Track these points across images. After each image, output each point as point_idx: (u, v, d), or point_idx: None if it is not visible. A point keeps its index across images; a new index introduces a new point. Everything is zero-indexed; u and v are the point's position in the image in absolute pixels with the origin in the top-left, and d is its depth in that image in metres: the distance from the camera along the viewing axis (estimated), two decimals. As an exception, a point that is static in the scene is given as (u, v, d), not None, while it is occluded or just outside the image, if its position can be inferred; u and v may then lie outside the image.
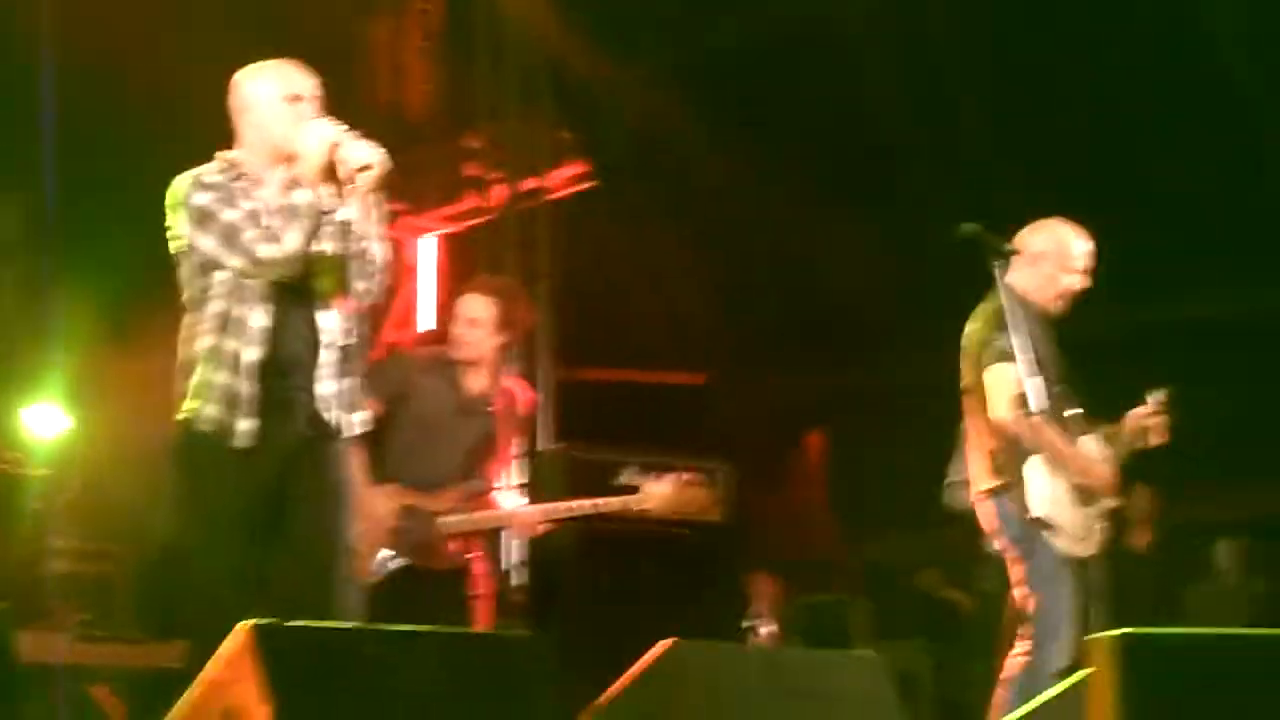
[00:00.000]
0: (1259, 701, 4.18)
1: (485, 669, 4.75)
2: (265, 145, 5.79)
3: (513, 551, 11.01)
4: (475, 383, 7.51)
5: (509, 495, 7.74)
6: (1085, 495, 6.88)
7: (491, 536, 7.72)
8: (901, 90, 11.51)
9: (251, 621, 4.51)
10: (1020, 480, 6.87)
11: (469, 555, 7.47)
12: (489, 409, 7.52)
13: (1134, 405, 7.21)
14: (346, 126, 5.73)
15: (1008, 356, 6.73)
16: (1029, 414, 6.65)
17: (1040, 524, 6.80)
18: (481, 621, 7.49)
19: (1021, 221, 7.25)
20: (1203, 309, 10.20)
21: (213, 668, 4.58)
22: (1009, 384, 6.78)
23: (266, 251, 5.60)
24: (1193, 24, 10.18)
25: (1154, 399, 7.18)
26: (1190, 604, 10.47)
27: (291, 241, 5.60)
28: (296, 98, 5.80)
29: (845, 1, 11.54)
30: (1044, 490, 6.84)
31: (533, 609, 10.20)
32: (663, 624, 7.93)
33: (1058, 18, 10.47)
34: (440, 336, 7.68)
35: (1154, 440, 7.15)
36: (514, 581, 10.87)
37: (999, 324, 6.76)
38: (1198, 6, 10.22)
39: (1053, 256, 7.09)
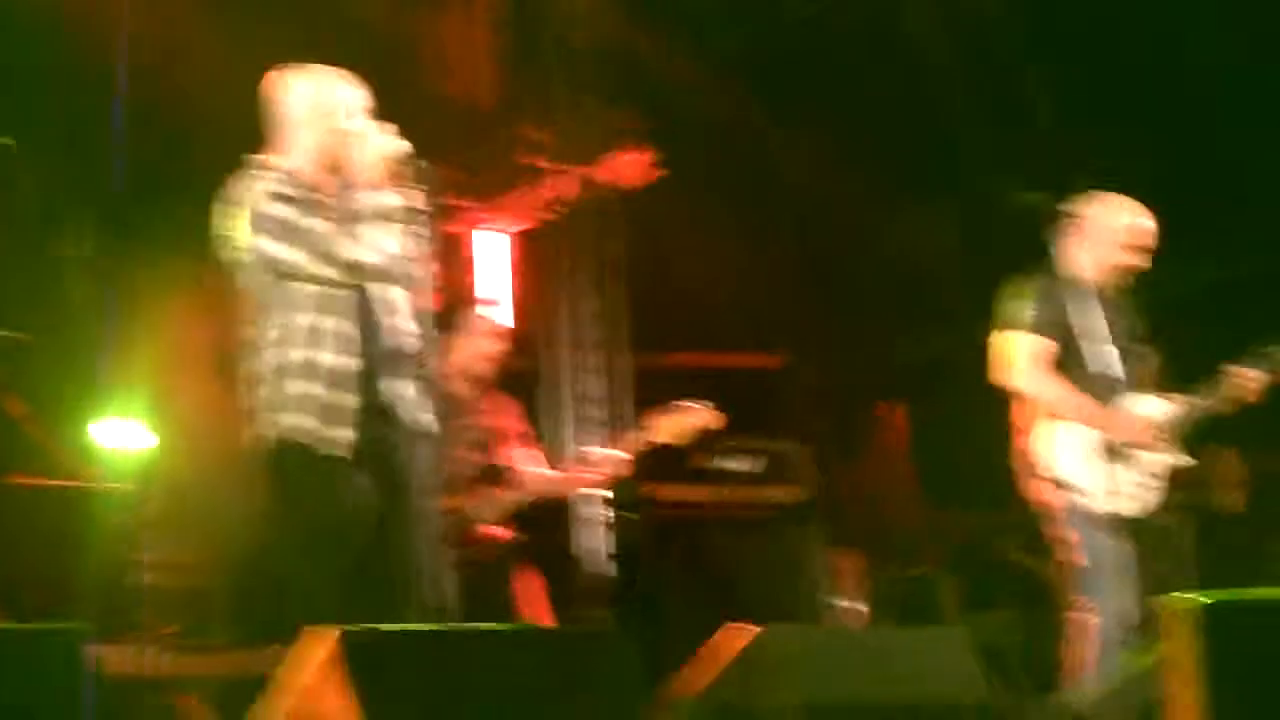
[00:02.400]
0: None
1: (570, 666, 4.78)
2: (315, 155, 5.81)
3: (596, 543, 11.09)
4: (458, 388, 7.65)
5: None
6: (1116, 452, 6.84)
7: (522, 509, 7.78)
8: (966, 69, 11.47)
9: (339, 628, 4.55)
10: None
11: (510, 539, 7.58)
12: (478, 407, 7.65)
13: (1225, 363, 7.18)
14: (392, 129, 5.77)
15: (1018, 324, 6.82)
16: (1040, 375, 6.73)
17: (1060, 484, 6.81)
18: (537, 618, 7.58)
19: (1085, 186, 7.26)
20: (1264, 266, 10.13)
21: (304, 676, 4.63)
22: (1028, 351, 6.85)
23: (363, 256, 5.62)
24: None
25: (1256, 359, 7.12)
26: (1275, 561, 10.40)
27: (385, 243, 5.64)
28: (348, 107, 5.83)
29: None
30: (1063, 450, 6.84)
31: (617, 600, 10.24)
32: (750, 607, 7.99)
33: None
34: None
35: (1249, 399, 7.10)
36: (597, 574, 10.95)
37: (1027, 294, 6.83)
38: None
39: (1110, 233, 7.09)
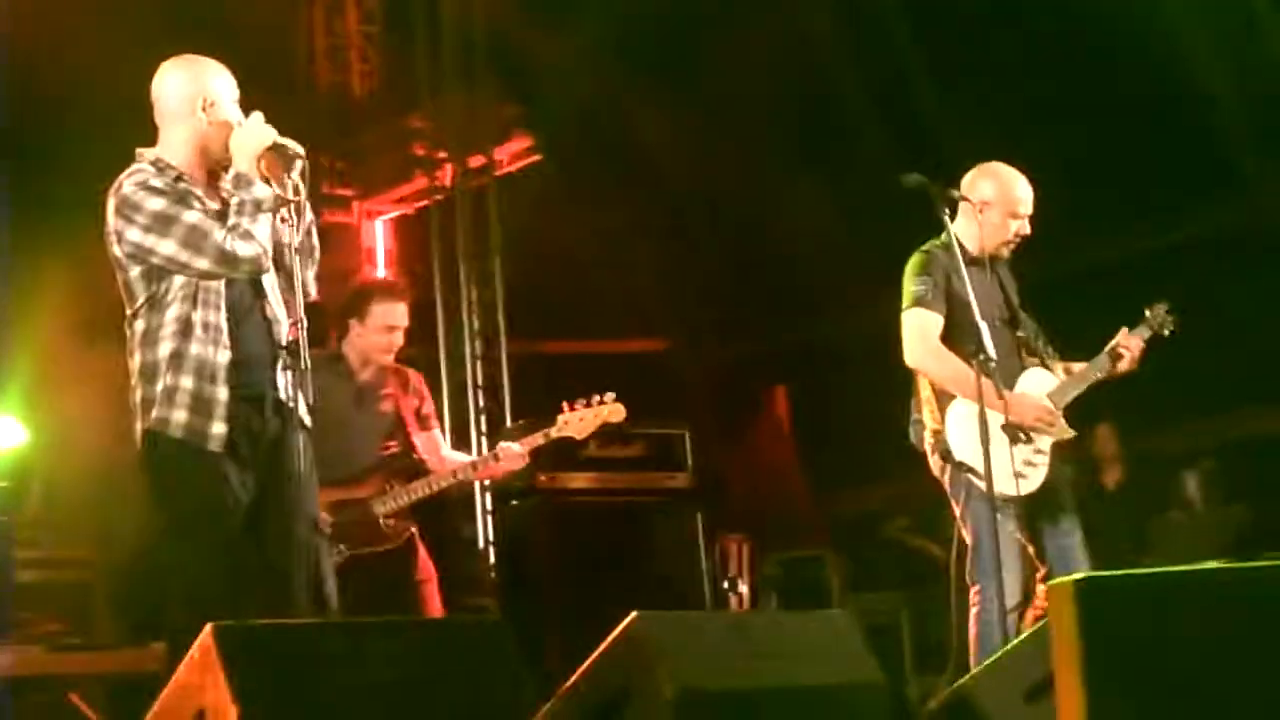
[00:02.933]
0: (1219, 637, 4.19)
1: (451, 656, 4.75)
2: (190, 145, 5.76)
3: (481, 531, 11.06)
4: (364, 372, 7.63)
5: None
6: (1014, 433, 6.87)
7: (425, 501, 7.76)
8: (845, 48, 11.49)
9: (213, 624, 4.50)
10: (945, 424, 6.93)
11: (409, 532, 7.57)
12: (385, 393, 7.64)
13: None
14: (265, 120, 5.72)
15: (919, 300, 6.83)
16: (931, 352, 6.76)
17: (962, 467, 6.83)
18: (432, 606, 7.58)
19: (968, 169, 7.27)
20: (1147, 242, 10.22)
21: (183, 671, 4.58)
22: (918, 327, 6.88)
23: (240, 248, 5.57)
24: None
25: (1143, 321, 7.17)
26: (1158, 537, 10.51)
27: (263, 235, 5.59)
28: (221, 98, 5.78)
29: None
30: (964, 432, 6.85)
31: (503, 588, 10.22)
32: (637, 593, 7.98)
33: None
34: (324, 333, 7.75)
35: (1125, 365, 7.15)
36: (481, 561, 10.93)
37: (917, 270, 6.85)
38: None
39: (999, 203, 7.11)
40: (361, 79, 13.09)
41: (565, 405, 7.88)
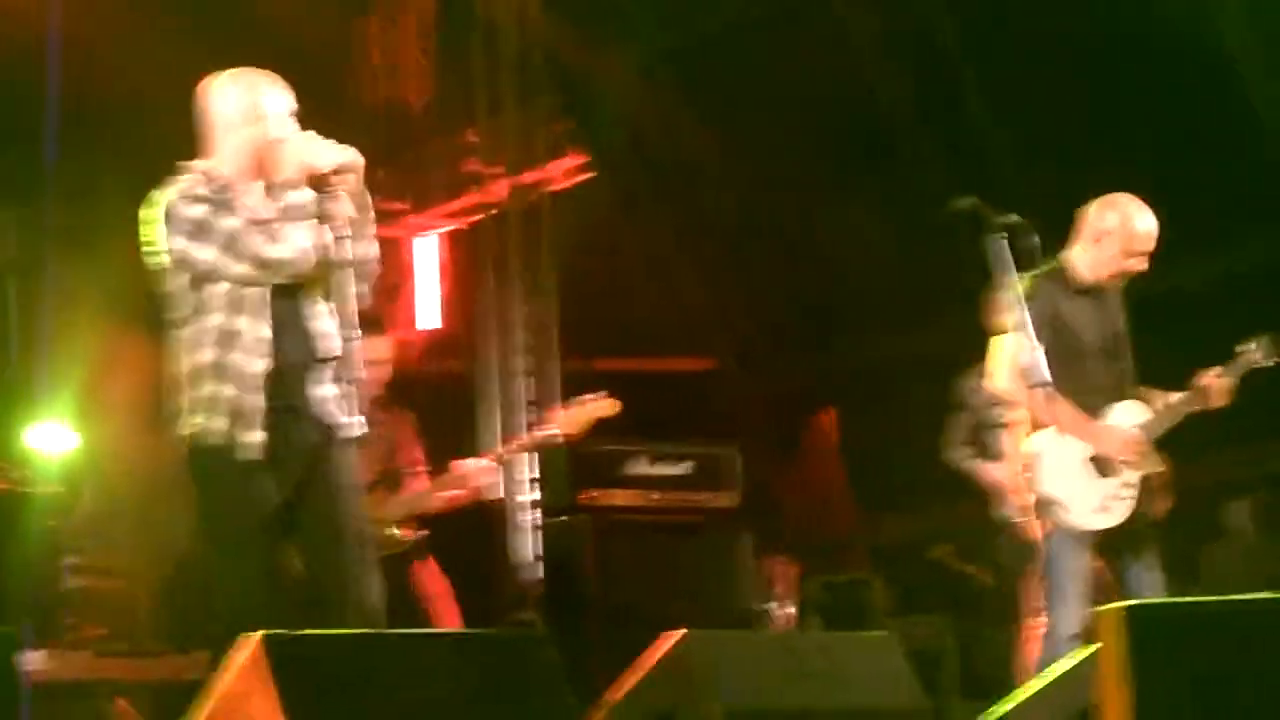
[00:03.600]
0: (1270, 668, 4.18)
1: (498, 670, 4.76)
2: (239, 158, 5.79)
3: (526, 547, 11.07)
4: None
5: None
6: (1104, 466, 6.85)
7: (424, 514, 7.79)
8: (897, 67, 11.47)
9: (262, 632, 4.52)
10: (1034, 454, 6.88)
11: (416, 536, 7.56)
12: (379, 419, 7.66)
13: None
14: (319, 134, 5.75)
15: (1008, 326, 6.73)
16: (1032, 385, 6.63)
17: (1045, 499, 6.80)
18: (447, 620, 7.62)
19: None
20: (1199, 269, 10.16)
21: (227, 679, 4.59)
22: (1010, 355, 6.80)
23: (276, 253, 5.60)
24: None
25: (1236, 357, 7.08)
26: (1206, 567, 10.45)
27: (300, 240, 5.61)
28: (272, 111, 5.81)
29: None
30: (1051, 464, 6.83)
31: (549, 603, 10.22)
32: (680, 612, 7.97)
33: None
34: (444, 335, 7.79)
35: (1217, 402, 7.06)
36: (527, 577, 10.94)
37: (1023, 297, 6.69)
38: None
39: (1118, 237, 7.02)
40: (416, 94, 13.12)
41: (551, 409, 7.91)
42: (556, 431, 7.83)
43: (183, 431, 5.73)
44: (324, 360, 5.75)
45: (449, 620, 7.66)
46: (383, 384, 7.84)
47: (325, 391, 5.75)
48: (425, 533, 7.73)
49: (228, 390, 5.65)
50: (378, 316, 9.09)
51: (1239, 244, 10.55)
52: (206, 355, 5.66)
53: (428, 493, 7.67)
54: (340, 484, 5.76)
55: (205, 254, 5.63)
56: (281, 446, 5.69)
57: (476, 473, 7.77)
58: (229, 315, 5.66)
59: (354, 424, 5.79)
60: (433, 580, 7.74)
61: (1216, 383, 6.99)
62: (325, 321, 5.78)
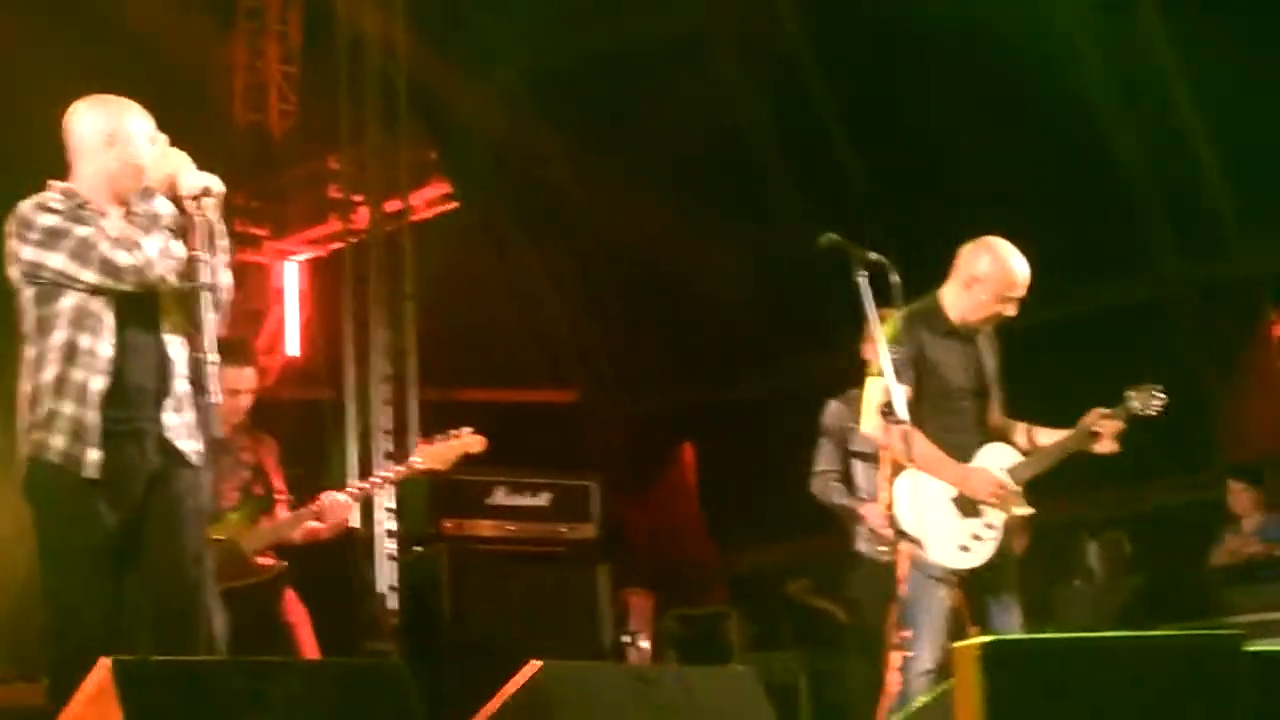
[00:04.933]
0: (1116, 702, 4.23)
1: (352, 698, 4.71)
2: (100, 179, 5.74)
3: (384, 576, 11.01)
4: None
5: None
6: (966, 506, 6.88)
7: (291, 542, 7.72)
8: (763, 104, 11.54)
9: (111, 658, 4.45)
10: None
11: (277, 566, 7.54)
12: (243, 445, 7.62)
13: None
14: (184, 156, 5.71)
15: (879, 370, 6.72)
16: (894, 422, 6.63)
17: (905, 538, 6.81)
18: (305, 649, 7.55)
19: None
20: (1057, 309, 10.27)
21: (75, 706, 4.52)
22: (876, 394, 6.81)
23: (126, 259, 5.54)
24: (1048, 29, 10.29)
25: (1123, 402, 7.08)
26: (1060, 605, 10.55)
27: (151, 247, 5.55)
28: (133, 136, 5.76)
29: (705, 12, 11.55)
30: (913, 503, 6.85)
31: (406, 633, 10.17)
32: (538, 642, 7.95)
33: (924, 31, 10.54)
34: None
35: (1101, 447, 7.06)
36: (384, 607, 10.87)
37: (890, 338, 6.68)
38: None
39: (992, 282, 7.02)
40: (280, 118, 13.06)
41: (420, 441, 7.85)
42: (421, 465, 7.77)
43: (22, 449, 5.65)
44: (171, 385, 5.69)
45: (308, 650, 7.60)
46: (246, 411, 7.76)
47: (170, 417, 5.69)
48: (285, 564, 7.64)
49: (67, 407, 5.58)
50: (243, 345, 9.02)
51: (1096, 283, 10.69)
52: (49, 372, 5.60)
53: (289, 523, 7.59)
54: (182, 510, 5.68)
55: (54, 260, 5.58)
56: (121, 469, 5.61)
57: (338, 507, 7.70)
58: (73, 331, 5.61)
59: (199, 450, 5.73)
60: (292, 609, 7.67)
61: (1105, 424, 7.01)
62: (176, 348, 5.73)
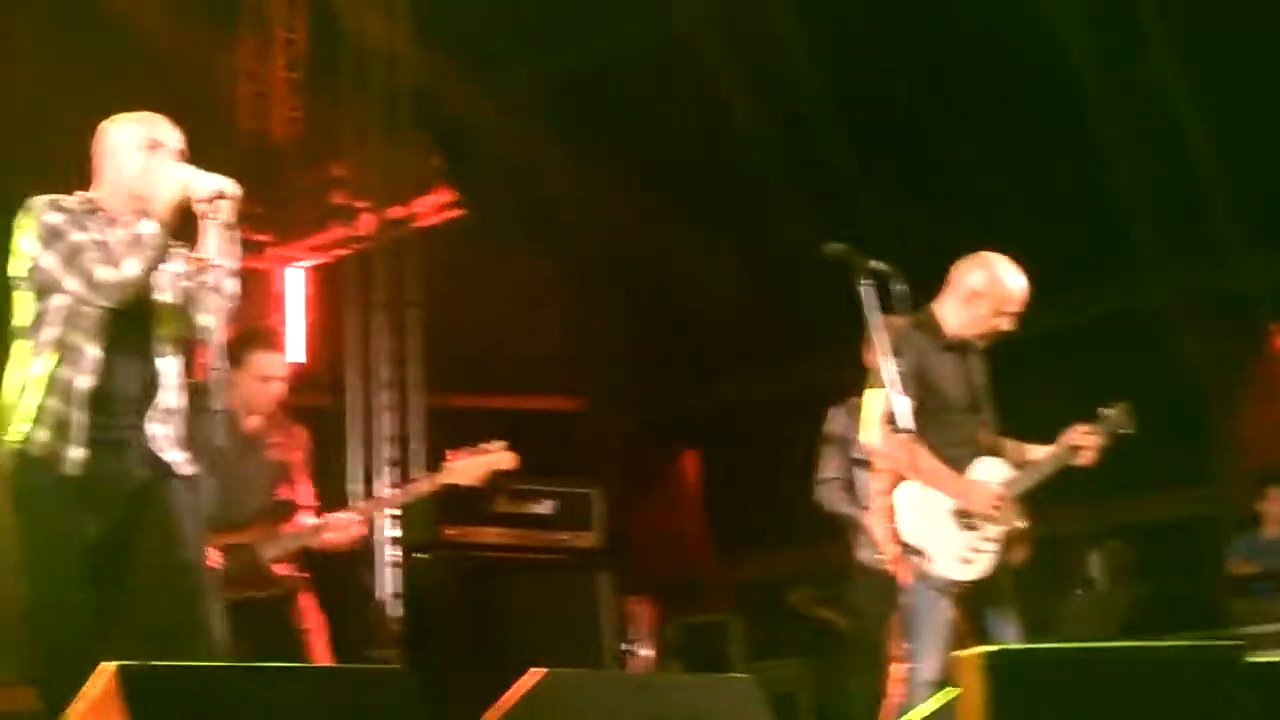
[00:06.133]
0: (1118, 712, 4.24)
1: (355, 704, 4.72)
2: (120, 188, 5.78)
3: (387, 583, 11.01)
4: (251, 421, 7.53)
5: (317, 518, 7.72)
6: (966, 518, 6.90)
7: (312, 551, 7.66)
8: (762, 114, 11.55)
9: (116, 663, 4.45)
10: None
11: (297, 576, 7.48)
12: (271, 442, 7.55)
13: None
14: (197, 167, 5.73)
15: (879, 380, 6.73)
16: (897, 433, 6.64)
17: (908, 549, 6.83)
18: (319, 655, 7.48)
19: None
20: (1054, 319, 10.29)
21: (78, 712, 4.52)
22: (877, 406, 6.82)
23: (103, 274, 5.56)
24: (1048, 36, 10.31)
25: (1100, 417, 7.12)
26: (1060, 616, 10.56)
27: (130, 269, 5.57)
28: (155, 144, 5.78)
29: (704, 20, 11.57)
30: (915, 514, 6.86)
31: (409, 640, 10.17)
32: (540, 650, 7.96)
33: (920, 37, 10.56)
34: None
35: (1083, 460, 7.10)
36: (387, 614, 10.87)
37: (888, 349, 6.69)
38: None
39: (988, 298, 7.05)
40: (284, 125, 13.06)
41: (448, 453, 7.80)
42: (451, 480, 7.70)
43: (6, 442, 5.66)
44: (156, 394, 5.71)
45: (320, 658, 7.53)
46: (279, 400, 7.68)
47: (154, 427, 5.70)
48: (304, 576, 7.57)
49: (54, 403, 5.60)
50: (272, 331, 8.99)
51: (1089, 293, 10.70)
52: (39, 367, 5.62)
53: (309, 532, 7.51)
54: (172, 520, 5.68)
55: (49, 261, 5.62)
56: (102, 475, 5.61)
57: (345, 525, 7.65)
58: (66, 330, 5.63)
59: (186, 459, 5.74)
60: (308, 615, 7.60)
61: (1086, 440, 7.05)
62: (166, 357, 5.74)
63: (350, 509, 7.77)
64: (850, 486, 8.46)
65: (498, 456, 7.72)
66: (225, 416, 5.66)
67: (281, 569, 7.47)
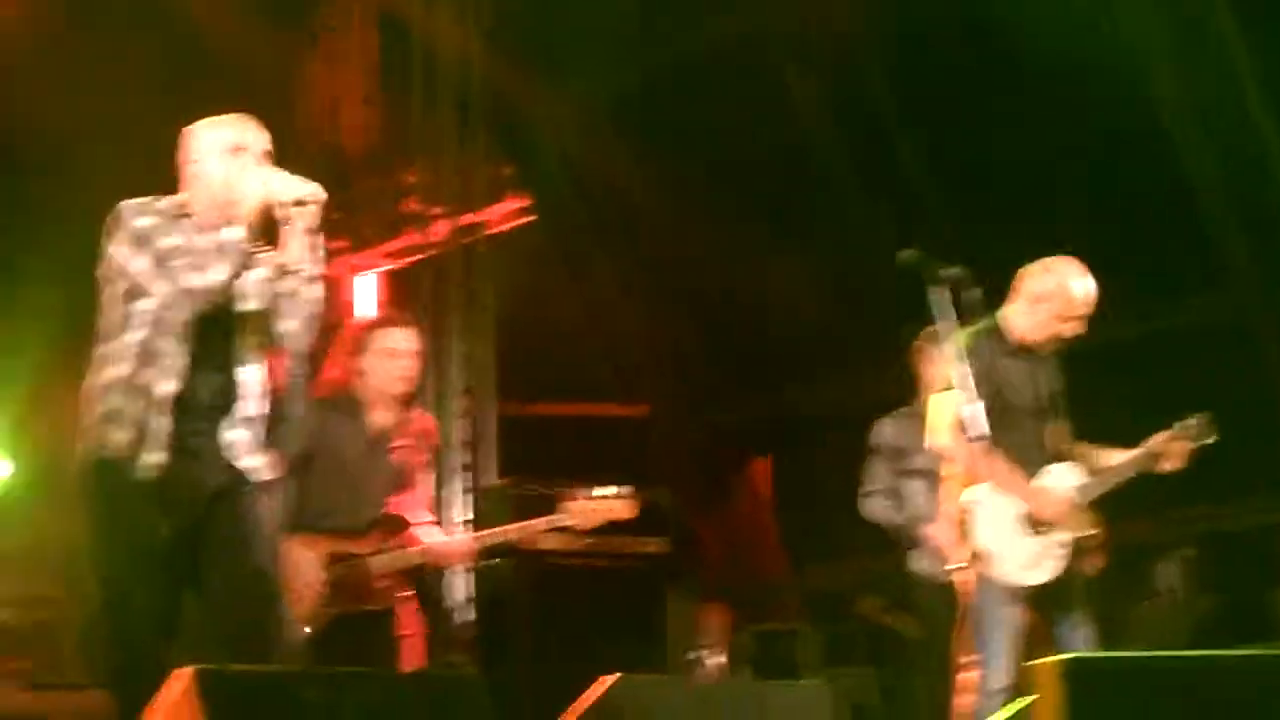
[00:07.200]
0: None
1: (427, 709, 4.73)
2: (206, 193, 5.79)
3: (458, 589, 11.03)
4: (380, 418, 7.42)
5: (431, 529, 7.61)
6: (1035, 524, 6.88)
7: (422, 572, 7.60)
8: (833, 117, 11.51)
9: (194, 666, 4.48)
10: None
11: (402, 593, 7.38)
12: (398, 444, 7.43)
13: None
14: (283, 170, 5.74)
15: (949, 383, 6.73)
16: (971, 439, 6.63)
17: (979, 552, 6.81)
18: (413, 661, 7.40)
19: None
20: (1134, 329, 10.23)
21: (154, 714, 4.55)
22: (949, 411, 6.81)
23: (191, 280, 5.58)
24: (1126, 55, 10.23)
25: (1184, 425, 7.10)
26: (1135, 625, 10.50)
27: (217, 274, 5.60)
28: (239, 149, 5.80)
29: (777, 28, 11.54)
30: (985, 518, 6.85)
31: (480, 646, 10.18)
32: (611, 657, 7.95)
33: (998, 40, 10.50)
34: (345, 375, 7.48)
35: (1167, 467, 7.08)
36: (458, 619, 10.88)
37: (962, 354, 6.66)
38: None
39: (1055, 302, 7.04)
40: (357, 132, 13.11)
41: (565, 494, 7.57)
42: (567, 524, 7.56)
43: (84, 445, 5.67)
44: (236, 401, 5.72)
45: (413, 664, 7.42)
46: (408, 380, 7.48)
47: (235, 434, 5.71)
48: (408, 594, 7.42)
49: (135, 406, 5.60)
50: (399, 312, 8.90)
51: (1172, 303, 10.63)
52: (123, 370, 5.63)
53: (416, 554, 7.36)
54: (245, 527, 5.68)
55: (139, 264, 5.63)
56: (177, 480, 5.62)
57: (473, 551, 7.60)
58: (153, 333, 5.64)
59: (264, 466, 5.75)
60: (407, 621, 7.46)
61: (1173, 446, 7.03)
62: (249, 365, 5.75)
63: (466, 537, 7.70)
64: (895, 495, 8.46)
65: (621, 504, 7.56)
66: (301, 423, 5.65)
67: (385, 584, 7.30)
